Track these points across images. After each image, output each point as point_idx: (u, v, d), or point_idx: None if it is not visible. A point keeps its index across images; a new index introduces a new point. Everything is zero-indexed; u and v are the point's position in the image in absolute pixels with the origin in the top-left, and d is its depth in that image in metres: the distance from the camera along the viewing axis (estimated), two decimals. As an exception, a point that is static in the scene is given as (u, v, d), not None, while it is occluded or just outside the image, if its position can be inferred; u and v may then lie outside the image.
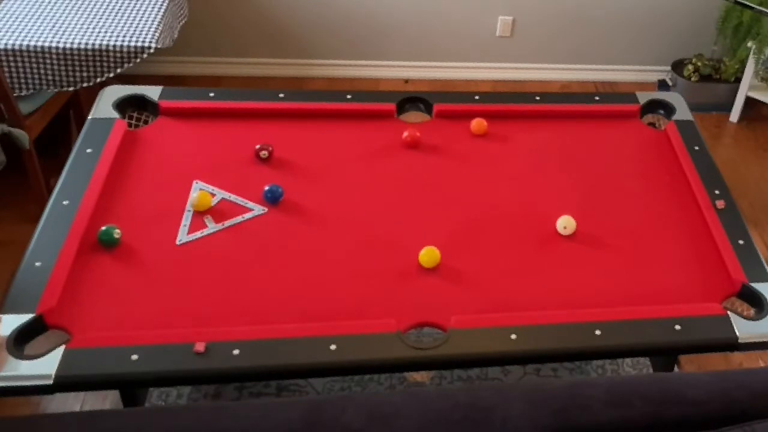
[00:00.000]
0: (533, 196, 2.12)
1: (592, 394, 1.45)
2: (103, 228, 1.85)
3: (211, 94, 2.31)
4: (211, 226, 1.93)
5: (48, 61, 2.65)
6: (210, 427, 1.36)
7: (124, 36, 2.70)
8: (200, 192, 1.98)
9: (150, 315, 1.71)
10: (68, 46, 2.64)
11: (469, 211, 2.06)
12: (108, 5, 2.88)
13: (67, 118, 3.06)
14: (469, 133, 2.31)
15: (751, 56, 3.60)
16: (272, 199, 2.01)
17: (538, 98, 2.45)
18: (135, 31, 2.74)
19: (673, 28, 3.92)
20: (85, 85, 2.72)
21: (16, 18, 2.76)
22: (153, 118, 2.25)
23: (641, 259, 1.95)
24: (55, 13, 2.81)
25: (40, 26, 2.72)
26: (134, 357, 1.58)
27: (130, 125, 2.20)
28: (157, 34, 2.74)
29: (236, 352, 1.61)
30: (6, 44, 2.62)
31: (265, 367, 1.63)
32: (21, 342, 1.60)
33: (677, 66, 3.90)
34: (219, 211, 1.98)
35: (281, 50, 3.77)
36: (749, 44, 3.58)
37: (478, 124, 2.32)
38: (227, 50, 3.74)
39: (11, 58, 2.63)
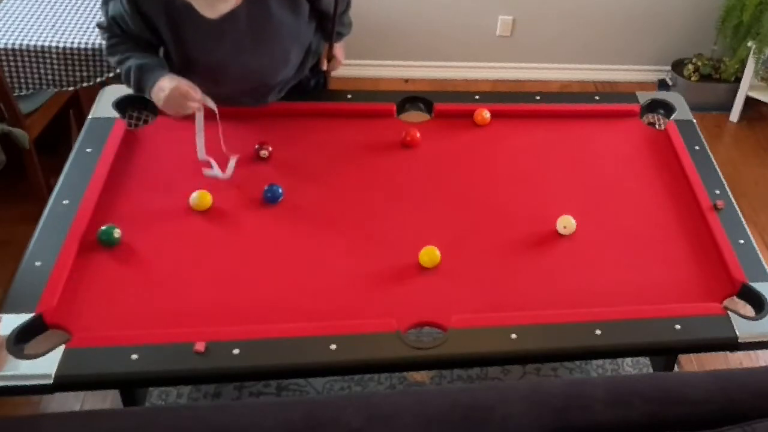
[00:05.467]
0: (533, 196, 2.12)
1: (592, 393, 1.45)
2: (103, 228, 1.84)
3: (211, 94, 2.31)
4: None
5: (48, 60, 2.65)
6: (210, 427, 1.36)
7: (124, 36, 2.70)
8: (200, 192, 1.98)
9: (150, 315, 1.71)
10: (68, 46, 2.64)
11: (469, 211, 2.06)
12: (108, 5, 2.88)
13: (67, 117, 3.06)
14: (469, 133, 2.31)
15: (751, 56, 3.60)
16: (272, 199, 2.01)
17: (538, 98, 2.45)
18: (135, 30, 2.73)
19: (673, 28, 3.92)
20: (85, 84, 2.72)
21: (16, 18, 2.76)
22: (153, 118, 2.25)
23: (641, 259, 1.95)
24: (55, 13, 2.81)
25: (40, 26, 2.72)
26: (134, 357, 1.58)
27: (130, 125, 2.20)
28: (157, 34, 2.74)
29: (236, 351, 1.61)
30: (6, 44, 2.62)
31: (265, 367, 1.63)
32: (21, 341, 1.60)
33: (677, 66, 3.90)
34: (219, 210, 1.98)
35: (281, 50, 3.76)
36: (749, 44, 3.58)
37: (480, 114, 2.32)
38: (227, 50, 3.73)
39: (11, 58, 2.63)
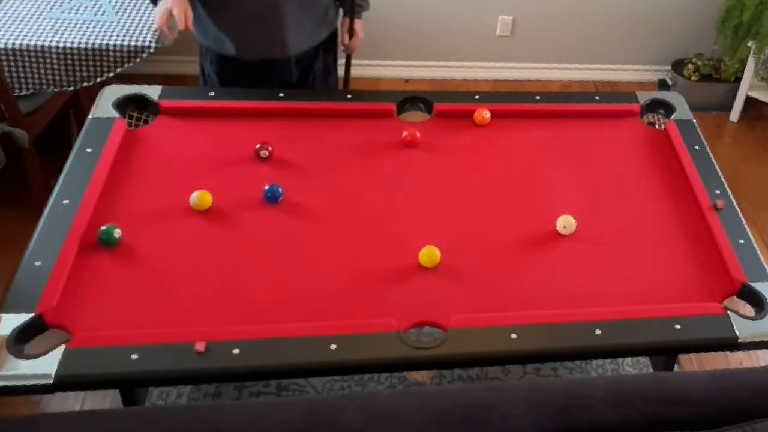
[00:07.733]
0: (533, 196, 2.12)
1: (592, 394, 1.45)
2: (103, 228, 1.84)
3: (211, 94, 2.31)
4: None
5: (48, 60, 2.65)
6: (210, 427, 1.36)
7: (124, 36, 2.70)
8: (200, 192, 1.98)
9: (150, 315, 1.71)
10: (68, 45, 2.64)
11: (469, 211, 2.06)
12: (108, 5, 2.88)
13: (67, 117, 3.06)
14: (469, 133, 2.31)
15: (751, 56, 3.60)
16: (272, 199, 2.01)
17: (538, 98, 2.45)
18: (135, 30, 2.74)
19: (673, 28, 3.92)
20: (85, 84, 2.72)
21: (16, 18, 2.76)
22: (153, 118, 2.25)
23: (641, 259, 1.95)
24: (55, 12, 2.81)
25: (40, 26, 2.72)
26: (134, 356, 1.58)
27: (130, 125, 2.20)
28: (157, 34, 2.74)
29: (236, 351, 1.61)
30: (6, 44, 2.62)
31: (265, 367, 1.63)
32: (21, 341, 1.60)
33: (677, 66, 3.91)
34: (219, 210, 1.98)
35: (281, 50, 3.76)
36: (749, 44, 3.58)
37: (480, 114, 2.32)
38: (227, 50, 3.73)
39: (11, 58, 2.64)
